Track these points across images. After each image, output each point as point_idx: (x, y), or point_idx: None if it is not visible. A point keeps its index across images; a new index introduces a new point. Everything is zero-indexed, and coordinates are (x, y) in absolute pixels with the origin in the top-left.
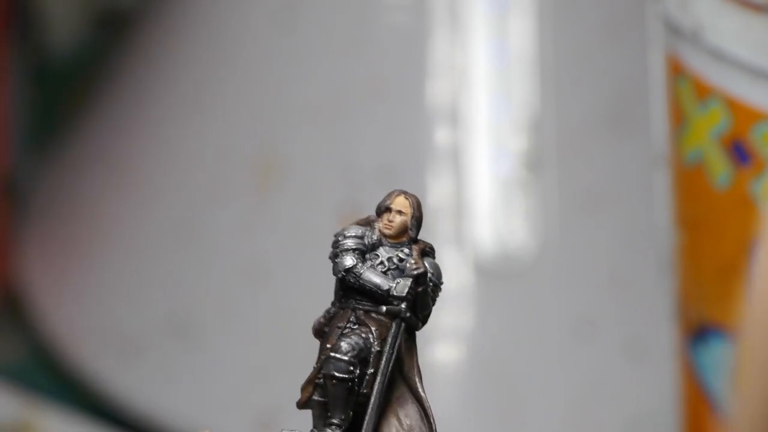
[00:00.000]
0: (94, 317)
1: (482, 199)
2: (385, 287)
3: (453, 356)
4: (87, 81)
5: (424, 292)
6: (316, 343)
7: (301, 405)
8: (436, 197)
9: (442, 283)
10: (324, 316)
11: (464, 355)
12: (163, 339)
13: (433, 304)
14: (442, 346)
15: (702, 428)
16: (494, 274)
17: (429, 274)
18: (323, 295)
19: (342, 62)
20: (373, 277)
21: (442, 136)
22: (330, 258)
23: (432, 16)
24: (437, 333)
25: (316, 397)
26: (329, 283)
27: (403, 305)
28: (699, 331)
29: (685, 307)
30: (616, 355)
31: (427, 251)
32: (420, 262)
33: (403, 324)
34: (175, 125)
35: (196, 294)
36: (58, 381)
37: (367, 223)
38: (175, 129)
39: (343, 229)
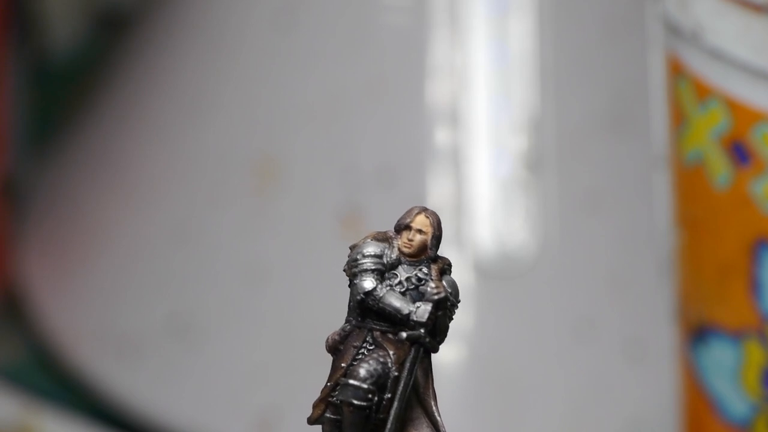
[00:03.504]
0: (94, 318)
1: (482, 199)
2: (405, 311)
3: (453, 356)
4: (86, 82)
5: (444, 316)
6: (316, 343)
7: (312, 421)
8: (436, 197)
9: (459, 302)
10: (339, 333)
11: (464, 355)
12: (163, 340)
13: (450, 321)
14: (442, 346)
15: (702, 428)
16: (494, 275)
17: (449, 293)
18: (323, 296)
19: (342, 63)
20: (393, 300)
21: (442, 136)
22: (347, 275)
23: (432, 16)
24: None
25: (328, 415)
26: (329, 285)
27: (422, 331)
28: (699, 332)
29: (685, 308)
30: (616, 355)
31: (445, 269)
32: (441, 285)
33: (422, 349)
34: (175, 126)
35: (196, 295)
36: (58, 382)
37: (385, 239)
38: (174, 130)
39: (361, 247)
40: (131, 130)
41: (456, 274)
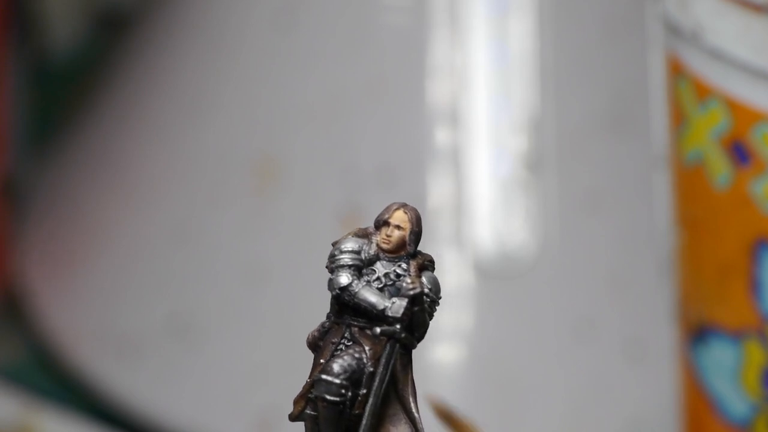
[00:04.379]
0: (94, 318)
1: (482, 199)
2: (381, 307)
3: (453, 356)
4: (86, 82)
5: (421, 311)
6: None
7: (294, 418)
8: (436, 197)
9: (440, 298)
10: (318, 330)
11: (464, 355)
12: (162, 340)
13: (431, 319)
14: (442, 346)
15: (702, 428)
16: (494, 274)
17: (426, 290)
18: (322, 296)
19: (342, 63)
20: (368, 296)
21: (442, 136)
22: (327, 270)
23: (432, 16)
24: (437, 333)
25: (308, 411)
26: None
27: (398, 326)
28: (699, 332)
29: (685, 308)
30: (616, 355)
31: (426, 265)
32: (417, 281)
33: (397, 344)
34: (175, 126)
35: (196, 295)
36: (58, 381)
37: (365, 235)
38: (174, 130)
39: (340, 243)
40: (131, 130)
41: (456, 274)
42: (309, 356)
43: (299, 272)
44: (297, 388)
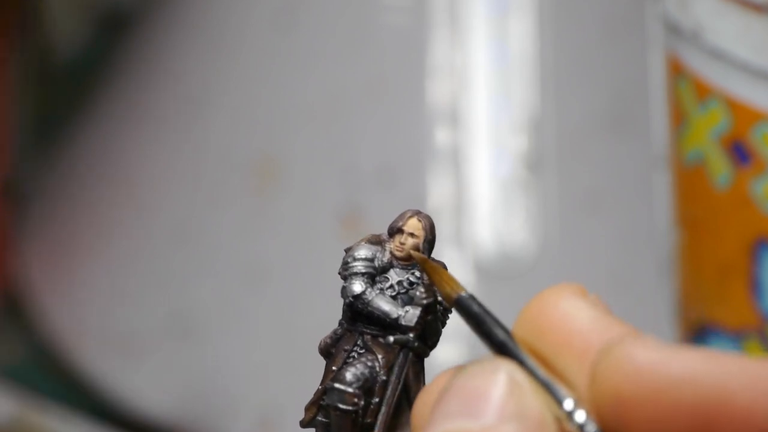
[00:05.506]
0: (95, 317)
1: (482, 199)
2: (394, 315)
3: (453, 356)
4: (88, 82)
5: (434, 320)
6: (316, 343)
7: (305, 425)
8: (436, 197)
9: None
10: (330, 336)
11: (464, 355)
12: (163, 339)
13: (443, 327)
14: (442, 346)
15: None
16: (494, 274)
17: (440, 298)
18: (322, 296)
19: (342, 63)
20: (382, 304)
21: (442, 136)
22: (341, 278)
23: (432, 16)
24: None
25: (320, 418)
26: (329, 285)
27: (411, 335)
28: (699, 331)
29: (685, 307)
30: None
31: None
32: (430, 289)
33: (410, 353)
34: (176, 126)
35: (197, 294)
36: (59, 381)
37: (379, 242)
38: (175, 130)
39: (354, 249)
40: (132, 130)
41: (456, 274)
42: (309, 356)
43: (299, 272)
44: (297, 387)
